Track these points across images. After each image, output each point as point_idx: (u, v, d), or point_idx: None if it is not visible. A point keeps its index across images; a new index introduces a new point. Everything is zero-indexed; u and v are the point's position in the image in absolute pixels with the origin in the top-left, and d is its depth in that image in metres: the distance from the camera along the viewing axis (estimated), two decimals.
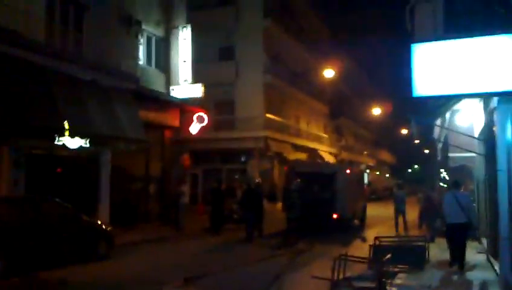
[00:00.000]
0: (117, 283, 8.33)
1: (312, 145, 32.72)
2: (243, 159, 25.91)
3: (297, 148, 29.11)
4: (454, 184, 10.27)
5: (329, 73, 23.61)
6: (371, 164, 52.36)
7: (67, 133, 11.17)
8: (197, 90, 16.86)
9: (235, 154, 26.11)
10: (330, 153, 36.83)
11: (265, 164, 25.24)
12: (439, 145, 14.75)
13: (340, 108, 40.45)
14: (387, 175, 64.52)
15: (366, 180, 50.92)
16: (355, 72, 43.41)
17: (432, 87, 6.77)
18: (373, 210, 29.83)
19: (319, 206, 15.07)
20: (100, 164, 13.95)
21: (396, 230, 17.43)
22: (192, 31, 17.63)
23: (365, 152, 50.41)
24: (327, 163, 16.89)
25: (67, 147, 12.53)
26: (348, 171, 15.51)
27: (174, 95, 17.01)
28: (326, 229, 14.57)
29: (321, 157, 32.82)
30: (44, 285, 7.88)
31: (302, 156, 29.44)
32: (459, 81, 6.67)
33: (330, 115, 39.37)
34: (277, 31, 26.83)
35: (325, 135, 37.47)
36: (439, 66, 6.70)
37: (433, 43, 6.94)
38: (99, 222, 10.68)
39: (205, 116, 17.92)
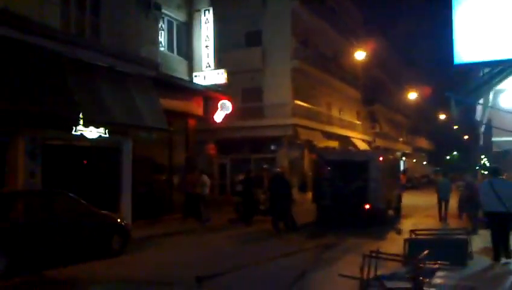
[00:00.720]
0: (125, 282, 7.80)
1: (344, 132, 31.58)
2: (272, 147, 25.17)
3: (329, 135, 28.08)
4: (493, 171, 9.58)
5: (361, 56, 22.33)
6: (407, 151, 50.50)
7: (82, 122, 10.73)
8: (220, 76, 16.17)
9: (264, 143, 25.41)
10: (364, 141, 35.54)
11: (294, 153, 24.42)
12: (482, 129, 13.52)
13: (374, 93, 38.96)
14: (425, 162, 62.41)
15: (401, 168, 49.53)
16: (390, 56, 41.71)
17: (476, 52, 5.77)
18: (409, 199, 28.52)
19: (350, 196, 14.19)
20: (121, 153, 13.50)
21: (440, 219, 16.48)
22: (216, 15, 16.95)
23: (401, 139, 48.64)
24: (359, 150, 15.92)
25: (85, 137, 12.21)
26: (381, 158, 14.48)
27: (197, 82, 16.39)
28: (358, 221, 13.68)
29: (354, 145, 31.62)
30: (48, 285, 7.46)
31: (334, 144, 28.36)
32: (509, 43, 5.64)
33: (364, 101, 37.97)
34: (306, 14, 25.78)
35: (358, 122, 36.18)
36: (485, 25, 5.69)
37: None
38: (114, 216, 10.13)
39: (229, 104, 17.24)
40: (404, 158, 50.89)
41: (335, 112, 31.95)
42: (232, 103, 17.46)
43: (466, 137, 65.23)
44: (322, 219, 14.66)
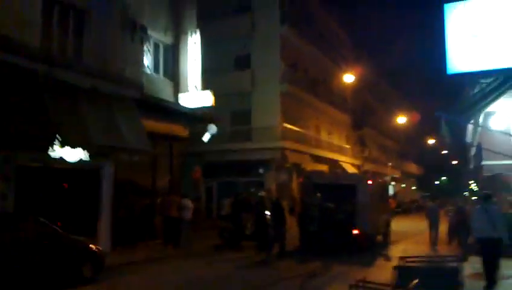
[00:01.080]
0: None
1: (333, 156, 31.41)
2: (261, 171, 24.82)
3: (317, 159, 27.83)
4: (486, 197, 9.59)
5: (350, 80, 22.33)
6: (396, 175, 50.40)
7: (60, 143, 10.33)
8: (207, 98, 15.88)
9: (252, 166, 25.06)
10: (353, 165, 35.36)
11: (282, 176, 24.07)
12: (472, 152, 13.33)
13: (363, 118, 39.05)
14: (414, 187, 62.31)
15: (391, 192, 49.28)
16: (379, 81, 42.02)
17: (470, 61, 5.53)
18: (399, 225, 28.20)
19: (337, 221, 13.80)
20: (102, 176, 13.05)
21: (434, 244, 16.13)
22: (205, 38, 16.84)
23: (390, 163, 48.48)
24: (346, 173, 15.60)
25: (65, 161, 11.79)
26: (369, 182, 14.19)
27: (183, 104, 16.10)
28: (346, 247, 13.25)
29: (343, 169, 31.42)
30: None
31: (323, 167, 28.10)
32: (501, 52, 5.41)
33: (353, 125, 38.00)
34: (295, 38, 25.88)
35: (347, 146, 36.05)
36: (479, 31, 5.46)
37: (471, 2, 5.63)
38: (86, 242, 9.51)
39: (214, 126, 16.93)
40: (393, 183, 50.81)
41: (324, 136, 31.81)
42: (219, 125, 17.11)
43: (455, 162, 65.56)
44: (308, 244, 14.27)
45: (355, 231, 13.28)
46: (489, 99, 8.30)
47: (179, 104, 15.97)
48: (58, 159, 11.48)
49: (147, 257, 12.42)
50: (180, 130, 16.23)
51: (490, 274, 8.77)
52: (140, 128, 12.94)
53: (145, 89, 14.42)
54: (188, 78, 16.23)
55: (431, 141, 52.58)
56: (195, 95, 16.02)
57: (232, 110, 25.59)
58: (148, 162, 15.67)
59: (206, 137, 16.97)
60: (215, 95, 24.78)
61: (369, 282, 6.84)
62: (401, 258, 8.95)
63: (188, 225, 14.25)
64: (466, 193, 33.92)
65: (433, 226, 16.46)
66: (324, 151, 30.09)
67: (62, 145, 10.51)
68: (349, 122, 37.33)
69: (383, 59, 40.54)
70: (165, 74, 16.26)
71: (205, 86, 24.67)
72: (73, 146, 10.80)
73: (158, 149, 15.94)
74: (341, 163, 32.43)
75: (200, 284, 9.50)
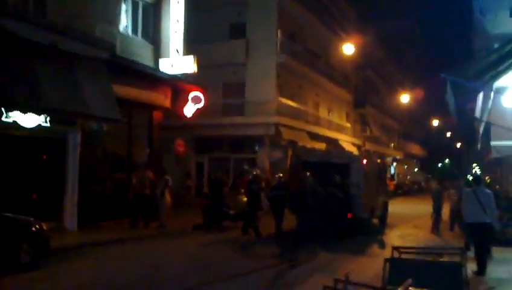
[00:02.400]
0: None
1: (332, 134, 29.94)
2: (256, 148, 23.49)
3: (315, 137, 26.38)
4: (476, 180, 9.52)
5: (350, 50, 20.69)
6: (399, 156, 48.98)
7: (5, 106, 8.94)
8: (190, 64, 14.36)
9: (245, 142, 23.74)
10: (353, 144, 33.92)
11: (277, 154, 22.71)
12: (481, 128, 11.87)
13: (365, 96, 37.43)
14: (416, 169, 60.94)
15: (391, 173, 48.00)
16: (383, 57, 40.18)
17: None
18: (398, 207, 26.92)
19: (329, 203, 12.49)
20: (67, 146, 11.71)
21: (433, 231, 14.97)
22: (197, 3, 15.25)
23: (392, 144, 47.10)
24: (339, 151, 14.18)
25: (21, 126, 10.44)
26: (364, 161, 12.80)
27: (164, 70, 14.61)
28: (337, 232, 11.96)
29: (342, 148, 30.00)
30: None
31: (321, 145, 26.70)
32: None
33: (354, 103, 36.43)
34: (293, 6, 24.16)
35: (347, 124, 34.57)
36: None
37: None
38: (26, 220, 7.98)
39: (201, 97, 15.46)
40: (394, 164, 49.45)
41: (323, 113, 30.30)
42: (205, 96, 15.66)
43: (459, 145, 64.02)
44: (300, 227, 13.07)
45: (348, 215, 11.94)
46: (507, 63, 6.83)
47: (158, 69, 14.48)
48: (12, 123, 10.14)
49: (112, 237, 11.15)
50: (161, 99, 14.81)
51: (480, 259, 8.45)
52: (108, 93, 11.52)
53: (120, 51, 12.97)
54: (169, 42, 14.66)
55: (435, 122, 50.94)
56: (176, 61, 14.51)
57: (224, 81, 24.10)
58: (125, 133, 14.33)
59: (189, 109, 15.50)
60: (205, 64, 23.64)
61: (351, 283, 5.51)
62: (395, 248, 7.59)
63: (163, 203, 12.93)
64: (469, 177, 32.57)
65: (437, 209, 15.27)
66: (323, 129, 28.64)
67: (8, 108, 9.12)
68: (351, 100, 35.76)
69: (388, 32, 38.54)
70: (144, 36, 14.71)
71: (196, 55, 23.43)
72: (22, 110, 9.42)
73: (135, 119, 14.60)
74: (340, 142, 30.99)
75: (159, 272, 8.18)
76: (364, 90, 37.64)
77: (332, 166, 12.67)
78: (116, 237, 11.34)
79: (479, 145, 13.62)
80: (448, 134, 60.28)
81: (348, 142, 32.61)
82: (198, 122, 23.49)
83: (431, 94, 45.61)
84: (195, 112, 15.67)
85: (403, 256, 7.52)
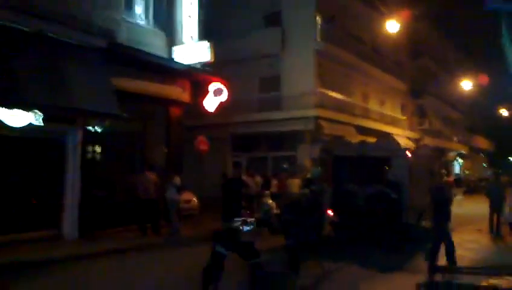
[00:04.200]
0: None
1: (385, 128, 27.31)
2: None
3: (364, 131, 23.96)
4: None
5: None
6: (463, 151, 44.83)
7: None
8: (205, 51, 12.81)
9: (283, 139, 21.93)
10: (409, 138, 30.97)
11: (316, 150, 20.66)
12: None
13: (423, 85, 34.22)
14: (484, 164, 55.92)
15: (456, 171, 43.99)
16: (442, 42, 36.70)
17: None
18: (461, 206, 23.98)
19: (364, 207, 10.49)
20: (65, 148, 10.57)
21: (491, 231, 13.07)
22: None
23: (455, 138, 43.12)
24: (378, 142, 11.99)
25: (7, 125, 9.40)
26: (408, 153, 10.58)
27: (180, 61, 13.19)
28: (377, 240, 9.91)
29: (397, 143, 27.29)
30: None
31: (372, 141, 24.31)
32: None
33: (410, 93, 33.39)
34: None
35: (402, 117, 31.65)
36: None
37: None
38: None
39: (224, 89, 13.88)
40: (460, 159, 45.33)
41: (373, 105, 27.74)
42: (228, 89, 14.08)
43: None
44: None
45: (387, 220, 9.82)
46: None
47: (171, 60, 13.08)
48: None
49: (119, 245, 9.88)
50: (177, 93, 13.41)
51: None
52: (104, 86, 10.23)
53: (127, 40, 11.74)
54: (183, 28, 13.21)
55: (504, 112, 46.14)
56: (190, 49, 13.03)
57: (260, 76, 22.48)
58: (138, 132, 13.10)
59: (211, 103, 13.98)
60: (240, 59, 22.27)
61: None
62: (435, 268, 5.57)
63: (175, 208, 11.47)
64: None
65: (494, 209, 12.82)
66: (373, 122, 26.16)
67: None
68: (406, 90, 32.80)
69: (447, 18, 35.07)
70: (155, 23, 13.36)
71: (229, 50, 21.97)
72: (20, 108, 8.33)
73: (150, 116, 13.33)
74: (395, 136, 28.24)
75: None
76: (421, 78, 34.47)
77: (371, 160, 10.59)
78: (117, 246, 10.03)
79: None
80: None
81: (403, 137, 29.76)
82: (234, 119, 22.25)
83: (497, 81, 41.26)
84: (218, 106, 14.08)
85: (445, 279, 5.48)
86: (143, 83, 12.29)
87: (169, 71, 12.92)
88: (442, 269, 5.53)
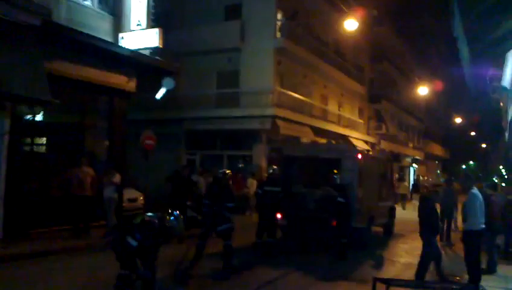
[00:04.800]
0: None
1: (342, 131, 27.24)
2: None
3: (321, 133, 23.72)
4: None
5: (353, 26, 17.97)
6: (418, 157, 45.74)
7: None
8: (154, 38, 11.99)
9: (240, 138, 21.31)
10: (366, 142, 31.13)
11: (270, 151, 20.16)
12: (509, 110, 9.13)
13: (381, 90, 34.54)
14: (439, 171, 57.40)
15: (412, 176, 44.73)
16: (401, 48, 37.17)
17: None
18: (414, 213, 24.17)
19: (313, 208, 10.03)
20: None
21: (441, 239, 12.53)
22: None
23: (411, 144, 43.93)
24: (329, 144, 11.60)
25: None
26: (359, 156, 10.20)
27: (126, 46, 12.29)
28: (339, 248, 9.43)
29: (353, 146, 27.28)
30: None
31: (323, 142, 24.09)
32: None
33: (369, 97, 33.61)
34: None
35: (360, 121, 31.75)
36: None
37: None
38: None
39: (172, 79, 13.10)
40: (415, 165, 46.19)
41: (332, 107, 27.61)
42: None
43: (484, 145, 60.19)
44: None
45: (334, 222, 9.37)
46: None
47: (117, 45, 12.17)
48: None
49: (46, 247, 8.92)
50: (122, 81, 12.49)
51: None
52: (37, 69, 9.23)
53: (67, 22, 10.74)
54: (131, 13, 12.32)
55: (458, 120, 47.44)
56: (138, 35, 12.18)
57: (218, 70, 21.79)
58: (77, 123, 12.13)
59: (159, 93, 13.18)
60: (198, 51, 21.46)
61: None
62: (377, 280, 5.08)
63: (112, 207, 10.58)
64: (495, 179, 29.55)
65: (445, 215, 12.74)
66: (331, 124, 26.02)
67: None
68: (365, 94, 32.98)
69: (407, 25, 35.49)
70: (103, 5, 12.39)
71: (188, 41, 21.12)
72: None
73: (91, 105, 12.37)
74: (352, 139, 28.26)
75: None
76: (380, 84, 34.79)
77: (321, 162, 10.13)
78: (43, 248, 9.08)
79: (506, 135, 10.78)
80: (473, 133, 56.55)
81: (360, 140, 29.87)
82: (189, 115, 21.44)
83: (452, 89, 42.42)
84: (166, 96, 13.31)
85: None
86: (84, 68, 11.33)
87: (114, 57, 11.98)
88: (384, 281, 5.06)
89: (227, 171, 9.16)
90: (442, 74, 41.12)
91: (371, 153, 13.56)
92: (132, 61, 12.44)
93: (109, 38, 12.17)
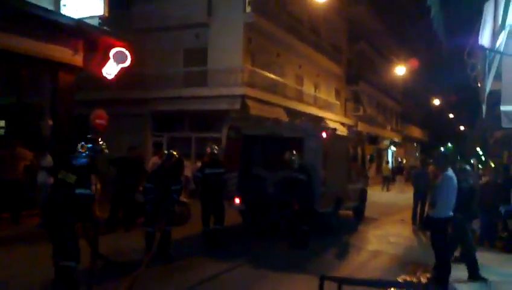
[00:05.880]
0: None
1: (318, 112, 26.36)
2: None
3: (295, 114, 22.80)
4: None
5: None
6: (397, 139, 45.35)
7: None
8: (97, 5, 10.77)
9: (208, 119, 20.25)
10: (343, 124, 30.33)
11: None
12: (488, 83, 8.29)
13: (359, 71, 33.72)
14: (417, 154, 57.33)
15: (390, 158, 44.31)
16: (379, 28, 36.29)
17: None
18: (389, 196, 23.63)
19: (274, 192, 9.12)
20: None
21: (414, 223, 12.21)
22: None
23: (390, 126, 43.44)
24: (292, 123, 10.57)
25: None
26: (323, 134, 9.26)
27: (69, 14, 11.04)
28: (299, 235, 8.54)
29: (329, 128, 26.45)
30: None
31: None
32: None
33: (346, 78, 32.77)
34: None
35: (336, 102, 30.91)
36: None
37: None
38: None
39: (127, 53, 11.91)
40: (393, 148, 45.80)
41: (308, 88, 26.67)
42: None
43: (462, 128, 60.27)
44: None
45: (296, 207, 8.46)
46: None
47: (59, 13, 10.92)
48: None
49: None
50: (67, 55, 11.28)
51: None
52: None
53: None
54: None
55: (436, 102, 47.14)
56: (83, 2, 10.93)
57: (185, 47, 20.57)
58: (16, 101, 10.91)
59: (111, 69, 11.98)
60: (164, 27, 20.21)
61: None
62: (323, 278, 4.18)
63: (42, 194, 9.45)
64: (472, 161, 29.13)
65: (417, 198, 12.25)
66: (306, 106, 25.10)
67: None
68: (342, 76, 32.11)
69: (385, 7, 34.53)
70: None
71: (149, 13, 19.80)
72: None
73: (30, 80, 11.15)
74: (327, 121, 27.41)
75: None
76: (357, 64, 33.94)
77: (284, 141, 9.17)
78: None
79: (483, 110, 9.98)
80: (451, 115, 56.50)
81: (336, 122, 29.04)
82: (155, 95, 20.25)
83: (430, 71, 41.87)
84: (118, 73, 12.11)
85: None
86: (20, 39, 10.11)
87: (57, 27, 10.76)
88: (336, 280, 4.16)
89: (174, 153, 8.14)
90: (420, 54, 40.44)
91: (338, 132, 12.62)
92: (77, 32, 11.22)
93: (50, 6, 10.89)
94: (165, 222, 7.21)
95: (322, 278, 4.09)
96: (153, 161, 12.84)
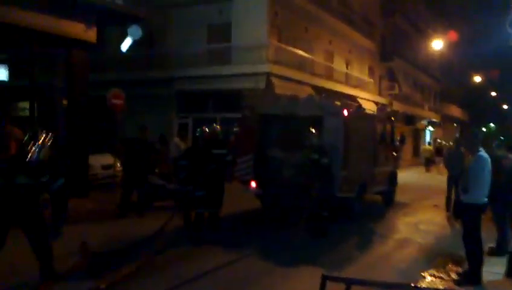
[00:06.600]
0: None
1: (350, 91, 25.24)
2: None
3: (325, 93, 21.83)
4: None
5: None
6: (435, 119, 43.36)
7: None
8: None
9: (234, 98, 19.60)
10: (376, 103, 29.06)
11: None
12: None
13: (394, 47, 32.08)
14: (457, 134, 54.94)
15: (428, 139, 42.48)
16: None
17: None
18: (425, 178, 22.44)
19: (292, 174, 8.45)
20: None
21: (448, 210, 11.03)
22: None
23: (427, 105, 41.53)
24: (310, 99, 9.63)
25: None
26: (345, 112, 8.43)
27: None
28: (318, 224, 7.87)
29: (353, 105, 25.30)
30: None
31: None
32: None
33: (380, 54, 31.26)
34: None
35: (370, 80, 29.57)
36: None
37: None
38: None
39: (137, 27, 11.39)
40: (431, 128, 43.85)
41: (338, 65, 25.51)
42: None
43: (505, 106, 57.23)
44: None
45: (314, 192, 7.75)
46: None
47: None
48: None
49: None
50: (80, 30, 10.82)
51: None
52: None
53: None
54: None
55: (477, 79, 44.61)
56: None
57: (208, 22, 19.87)
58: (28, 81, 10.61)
59: (125, 44, 11.51)
60: (186, 2, 19.61)
61: None
62: (325, 278, 3.54)
63: None
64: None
65: (451, 181, 11.10)
66: (336, 83, 24.03)
67: None
68: (376, 52, 30.63)
69: None
70: None
71: None
72: None
73: (42, 58, 10.81)
74: (360, 100, 26.25)
75: None
76: (392, 40, 32.28)
77: (300, 121, 8.44)
78: None
79: None
80: (493, 94, 53.55)
81: (370, 101, 27.82)
82: (179, 74, 19.79)
83: (471, 45, 39.47)
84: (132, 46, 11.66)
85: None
86: (29, 14, 9.70)
87: (67, 0, 10.32)
88: (339, 280, 3.52)
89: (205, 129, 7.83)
90: (459, 27, 38.09)
91: (365, 110, 11.70)
92: (89, 6, 10.74)
93: None
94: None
95: (324, 278, 3.49)
96: (174, 142, 12.38)
